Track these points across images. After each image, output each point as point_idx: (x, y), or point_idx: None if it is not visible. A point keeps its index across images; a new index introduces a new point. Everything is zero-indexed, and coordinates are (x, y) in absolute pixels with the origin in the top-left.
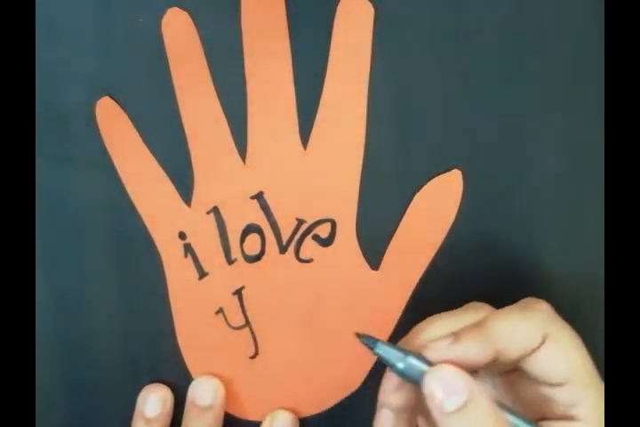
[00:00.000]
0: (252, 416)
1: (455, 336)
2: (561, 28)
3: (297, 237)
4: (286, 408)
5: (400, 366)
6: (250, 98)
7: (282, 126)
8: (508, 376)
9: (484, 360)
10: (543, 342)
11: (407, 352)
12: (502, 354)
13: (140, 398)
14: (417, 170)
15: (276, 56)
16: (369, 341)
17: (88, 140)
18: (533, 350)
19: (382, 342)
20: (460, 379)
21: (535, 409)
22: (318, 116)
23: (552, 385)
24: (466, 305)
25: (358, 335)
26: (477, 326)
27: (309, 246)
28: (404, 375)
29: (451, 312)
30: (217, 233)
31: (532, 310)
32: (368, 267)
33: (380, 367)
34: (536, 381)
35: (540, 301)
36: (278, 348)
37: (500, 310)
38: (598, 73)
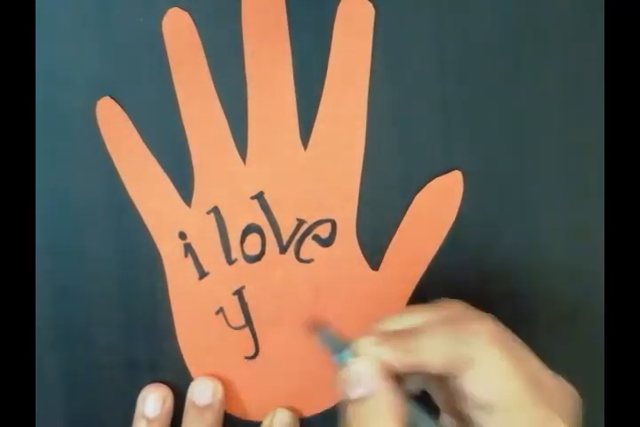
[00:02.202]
0: (252, 416)
1: (384, 339)
2: (561, 27)
3: (297, 237)
4: (286, 408)
5: (334, 356)
6: (250, 98)
7: (282, 127)
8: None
9: (400, 367)
10: (468, 368)
11: (342, 344)
12: (423, 368)
13: (139, 399)
14: (417, 170)
15: (276, 56)
16: (315, 327)
17: (88, 140)
18: (457, 374)
19: (325, 331)
20: (367, 375)
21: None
22: (318, 117)
23: (481, 409)
24: (439, 301)
25: (310, 325)
26: (407, 335)
27: (310, 246)
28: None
29: (423, 307)
30: (217, 233)
31: (466, 332)
32: (368, 267)
33: None
34: (467, 400)
35: (485, 319)
36: (278, 348)
37: (435, 323)
38: (598, 72)
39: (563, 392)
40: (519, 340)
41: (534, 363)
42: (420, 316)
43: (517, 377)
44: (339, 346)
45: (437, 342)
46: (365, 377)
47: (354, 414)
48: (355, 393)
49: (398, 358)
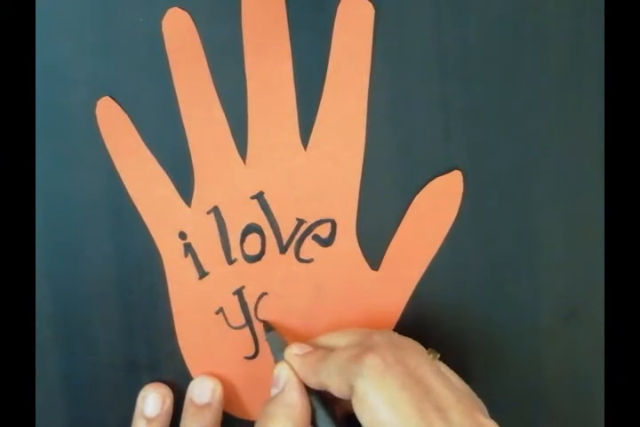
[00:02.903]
0: (251, 416)
1: (303, 353)
2: (561, 27)
3: (297, 237)
4: None
5: (273, 355)
6: (250, 98)
7: (282, 127)
8: None
9: (310, 384)
10: (352, 396)
11: (281, 346)
12: (327, 388)
13: (139, 398)
14: (417, 170)
15: (276, 56)
16: (267, 328)
17: (88, 140)
18: (348, 398)
19: (272, 333)
20: (282, 377)
21: None
22: (318, 117)
23: None
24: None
25: (265, 324)
26: (321, 354)
27: (309, 246)
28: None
29: (355, 330)
30: (217, 233)
31: (358, 362)
32: (368, 267)
33: None
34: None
35: (374, 351)
36: None
37: (345, 348)
38: (598, 73)
39: (465, 412)
40: (411, 367)
41: (422, 390)
42: (344, 338)
43: (399, 407)
44: (279, 347)
45: (333, 368)
46: (279, 379)
47: (265, 410)
48: (272, 392)
49: (304, 374)
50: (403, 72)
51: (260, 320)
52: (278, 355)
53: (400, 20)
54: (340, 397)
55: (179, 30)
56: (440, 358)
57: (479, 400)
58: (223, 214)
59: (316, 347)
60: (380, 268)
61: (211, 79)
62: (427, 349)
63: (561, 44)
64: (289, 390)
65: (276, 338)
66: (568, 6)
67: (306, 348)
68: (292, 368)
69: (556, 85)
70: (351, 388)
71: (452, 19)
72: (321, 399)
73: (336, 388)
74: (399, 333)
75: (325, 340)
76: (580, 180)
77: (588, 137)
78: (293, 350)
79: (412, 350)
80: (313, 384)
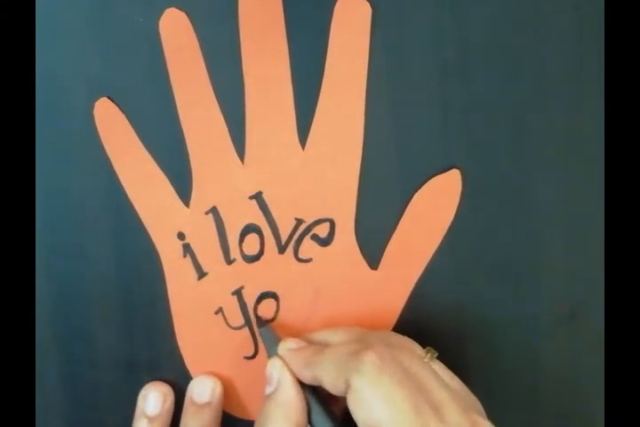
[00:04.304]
0: (251, 416)
1: (297, 347)
2: (561, 27)
3: (296, 236)
4: None
5: (267, 351)
6: (248, 98)
7: (280, 126)
8: None
9: (299, 376)
10: (348, 393)
11: (275, 342)
12: (319, 383)
13: (140, 397)
14: (416, 169)
15: (273, 56)
16: (260, 323)
17: (88, 140)
18: (342, 394)
19: (265, 328)
20: (275, 374)
21: None
22: (316, 116)
23: None
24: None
25: (257, 318)
26: (317, 349)
27: (308, 246)
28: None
29: (353, 327)
30: (216, 233)
31: (356, 359)
32: (367, 266)
33: None
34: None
35: (374, 349)
36: None
37: (342, 344)
38: (599, 72)
39: (459, 411)
40: (409, 365)
41: (417, 388)
42: (338, 335)
43: (395, 404)
44: (272, 342)
45: (329, 362)
46: (272, 377)
47: (262, 409)
48: (266, 391)
49: (299, 368)
50: (402, 72)
51: (255, 316)
52: (272, 350)
53: (400, 20)
54: (334, 392)
55: (176, 31)
56: (438, 357)
57: (476, 400)
58: (222, 215)
59: (311, 342)
60: (379, 267)
61: (208, 79)
62: (424, 347)
63: (561, 43)
64: (283, 388)
65: (269, 333)
66: (568, 6)
67: (300, 342)
68: (286, 363)
69: (556, 85)
70: (347, 384)
71: (452, 19)
72: (315, 395)
73: (331, 383)
74: (398, 332)
75: (319, 336)
76: (580, 179)
77: (588, 137)
78: (288, 345)
79: (406, 348)
80: (307, 379)
